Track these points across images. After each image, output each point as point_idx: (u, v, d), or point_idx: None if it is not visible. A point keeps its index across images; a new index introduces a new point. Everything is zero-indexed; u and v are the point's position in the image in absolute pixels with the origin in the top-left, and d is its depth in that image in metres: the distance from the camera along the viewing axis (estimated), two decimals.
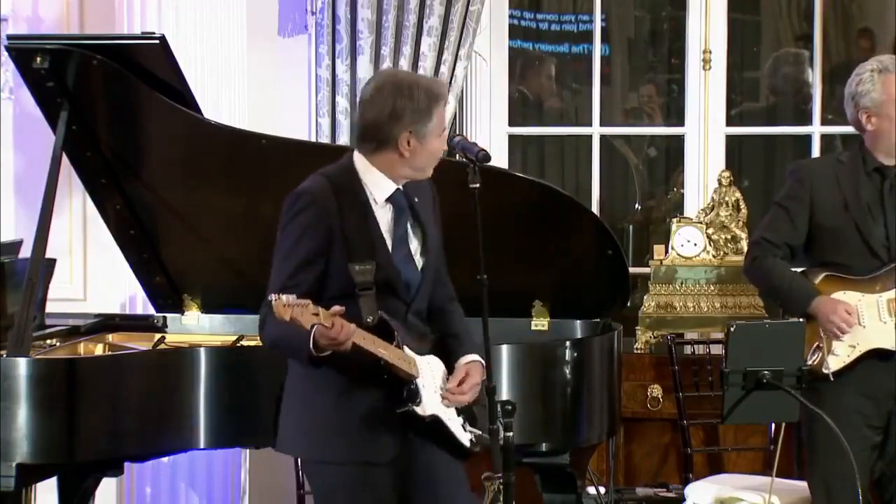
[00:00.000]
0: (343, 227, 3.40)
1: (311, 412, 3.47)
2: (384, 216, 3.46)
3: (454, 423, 3.46)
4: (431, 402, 3.42)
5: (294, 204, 3.43)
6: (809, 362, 4.12)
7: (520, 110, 6.61)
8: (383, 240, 3.44)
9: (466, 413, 3.51)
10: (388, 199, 3.46)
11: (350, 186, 3.44)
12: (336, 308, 3.24)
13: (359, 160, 3.47)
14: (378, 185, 3.45)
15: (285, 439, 3.54)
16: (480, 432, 3.48)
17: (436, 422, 3.42)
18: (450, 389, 3.44)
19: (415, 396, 3.38)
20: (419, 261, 3.49)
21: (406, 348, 3.41)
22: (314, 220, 3.40)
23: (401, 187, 3.47)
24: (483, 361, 3.47)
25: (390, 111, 3.37)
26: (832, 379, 4.15)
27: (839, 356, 4.18)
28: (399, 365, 3.37)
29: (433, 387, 3.44)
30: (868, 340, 4.18)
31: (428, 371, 3.45)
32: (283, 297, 3.14)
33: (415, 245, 3.50)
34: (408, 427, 3.42)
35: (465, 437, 3.48)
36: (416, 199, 3.51)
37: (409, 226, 3.49)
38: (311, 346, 3.26)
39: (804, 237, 4.30)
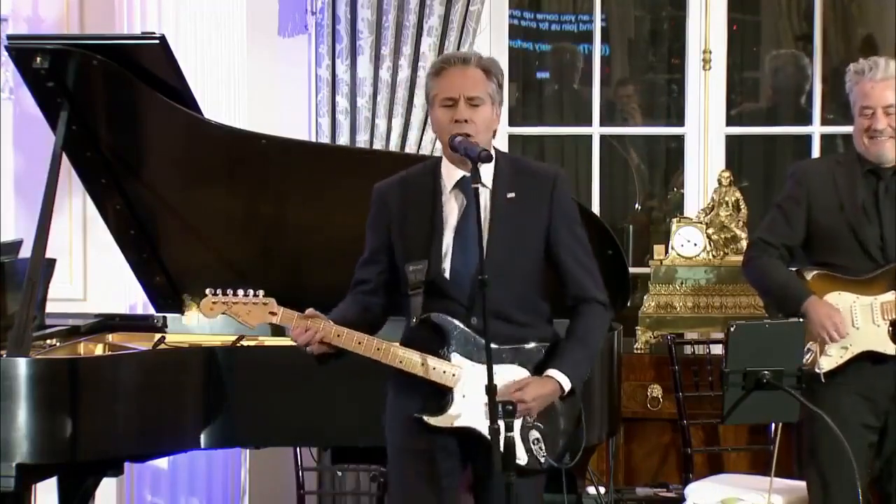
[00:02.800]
0: (404, 222, 3.42)
1: (386, 405, 3.54)
2: (454, 206, 3.43)
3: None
4: (464, 415, 3.36)
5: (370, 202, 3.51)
6: (801, 362, 4.12)
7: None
8: (442, 234, 3.40)
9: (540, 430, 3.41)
10: (457, 187, 3.43)
11: (427, 178, 3.46)
12: (309, 311, 3.31)
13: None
14: (448, 174, 3.45)
15: None
16: (546, 455, 3.39)
17: (475, 434, 3.37)
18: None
19: (438, 408, 3.37)
20: (487, 258, 3.32)
21: (455, 356, 3.38)
22: (375, 217, 3.49)
23: (474, 175, 3.34)
24: (563, 380, 3.39)
25: None
26: (823, 380, 4.16)
27: (831, 357, 4.18)
28: (422, 374, 3.36)
29: (483, 397, 3.28)
30: (860, 342, 4.19)
31: (480, 381, 3.31)
32: (213, 296, 3.31)
33: (488, 241, 3.37)
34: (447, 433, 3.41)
35: (520, 452, 3.36)
36: (514, 194, 3.42)
37: (484, 217, 3.37)
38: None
39: (802, 238, 4.31)
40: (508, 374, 3.40)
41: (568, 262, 3.49)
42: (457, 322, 3.39)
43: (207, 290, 3.29)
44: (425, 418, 3.37)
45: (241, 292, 3.31)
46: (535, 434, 3.41)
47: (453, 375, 3.38)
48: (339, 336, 3.32)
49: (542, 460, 3.41)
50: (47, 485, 4.28)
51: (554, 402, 3.42)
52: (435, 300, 3.37)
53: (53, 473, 4.17)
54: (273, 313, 3.31)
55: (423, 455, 3.43)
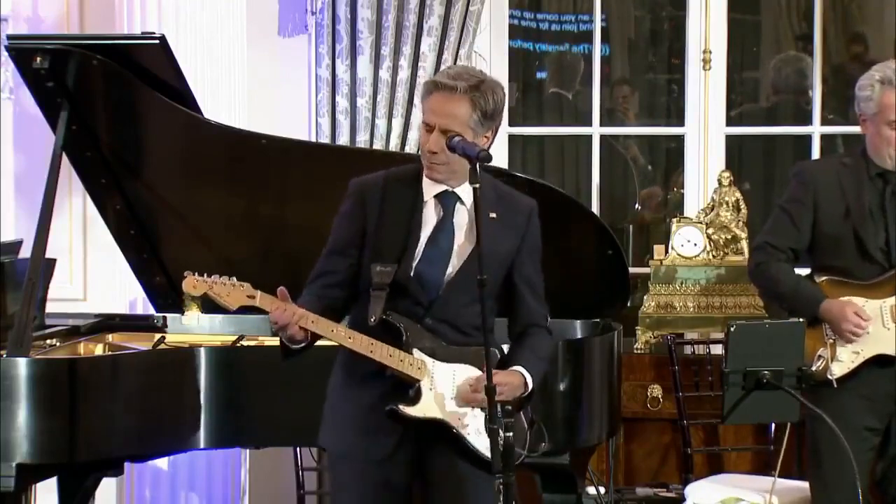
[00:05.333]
0: (380, 223, 3.42)
1: (328, 402, 3.52)
2: (431, 216, 3.44)
3: (472, 431, 3.40)
4: (434, 407, 3.38)
5: (346, 191, 3.50)
6: (814, 368, 4.12)
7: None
8: (417, 241, 3.41)
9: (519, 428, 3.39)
10: (437, 198, 3.43)
11: (410, 182, 3.45)
12: (280, 289, 3.30)
13: None
14: (429, 184, 3.45)
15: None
16: (522, 450, 3.39)
17: (442, 427, 3.38)
18: (461, 387, 3.38)
19: (410, 399, 3.37)
20: (453, 267, 3.40)
21: (417, 351, 3.39)
22: (350, 210, 3.47)
23: (454, 190, 3.41)
24: (527, 376, 3.42)
25: None
26: (836, 385, 4.15)
27: (843, 362, 4.17)
28: (391, 365, 3.36)
29: (448, 393, 3.39)
30: (871, 346, 4.17)
31: (446, 377, 3.39)
32: (194, 277, 3.29)
33: (457, 252, 3.41)
34: (411, 428, 3.39)
35: (483, 444, 3.37)
36: (494, 215, 3.42)
37: (458, 232, 3.41)
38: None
39: (808, 240, 4.28)
40: (467, 372, 3.42)
41: (526, 292, 3.52)
42: (412, 322, 3.40)
43: (186, 273, 3.31)
44: (401, 408, 3.36)
45: (216, 276, 3.34)
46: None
47: (419, 368, 3.39)
48: (314, 322, 3.32)
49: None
50: (47, 485, 4.28)
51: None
52: (393, 299, 3.38)
53: (53, 473, 4.17)
54: (251, 296, 3.32)
55: (381, 465, 3.41)
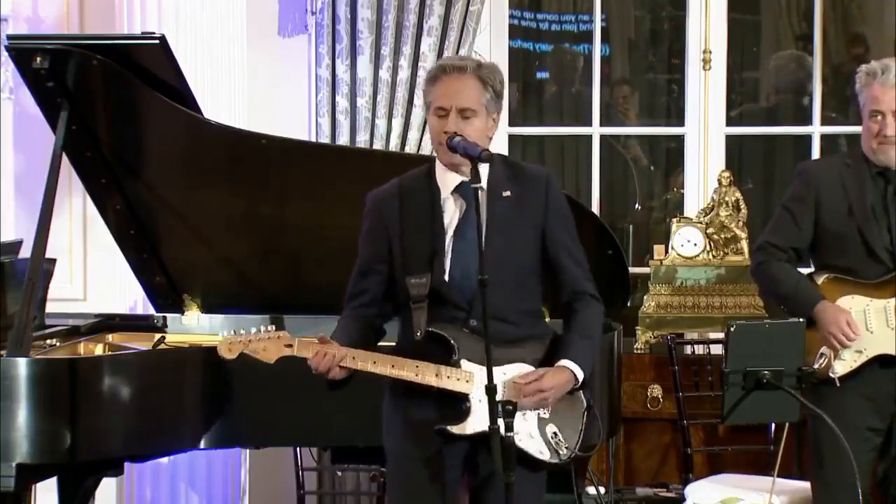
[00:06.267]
0: (404, 233, 3.41)
1: (384, 403, 3.52)
2: (453, 211, 3.42)
3: (523, 437, 3.37)
4: (484, 419, 3.30)
5: (364, 209, 3.48)
6: (816, 366, 4.11)
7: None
8: (443, 240, 3.39)
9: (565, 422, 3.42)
10: (456, 192, 3.42)
11: (424, 184, 3.45)
12: (321, 336, 3.30)
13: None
14: (444, 179, 3.44)
15: None
16: (568, 447, 3.41)
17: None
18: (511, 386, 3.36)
19: (459, 415, 3.36)
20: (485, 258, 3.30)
21: (465, 362, 3.37)
22: (371, 227, 3.46)
23: (473, 175, 3.33)
24: (575, 369, 3.40)
25: None
26: (838, 384, 4.14)
27: (846, 361, 4.16)
28: (438, 384, 3.34)
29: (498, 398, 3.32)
30: (875, 346, 4.16)
31: (496, 383, 3.31)
32: (229, 336, 3.27)
33: (485, 244, 3.36)
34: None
35: (535, 447, 3.39)
36: (508, 193, 3.42)
37: (483, 219, 3.34)
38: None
39: (810, 240, 4.27)
40: (517, 372, 3.40)
41: (563, 259, 3.50)
42: (458, 329, 3.39)
43: (220, 334, 3.28)
44: (449, 429, 3.36)
45: (253, 329, 3.33)
46: (552, 428, 3.42)
47: (467, 382, 3.37)
48: (354, 359, 3.32)
49: (564, 452, 3.41)
50: (47, 485, 4.28)
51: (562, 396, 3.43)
52: (435, 306, 3.37)
53: (53, 473, 4.17)
54: (288, 345, 3.31)
55: (430, 462, 3.41)
